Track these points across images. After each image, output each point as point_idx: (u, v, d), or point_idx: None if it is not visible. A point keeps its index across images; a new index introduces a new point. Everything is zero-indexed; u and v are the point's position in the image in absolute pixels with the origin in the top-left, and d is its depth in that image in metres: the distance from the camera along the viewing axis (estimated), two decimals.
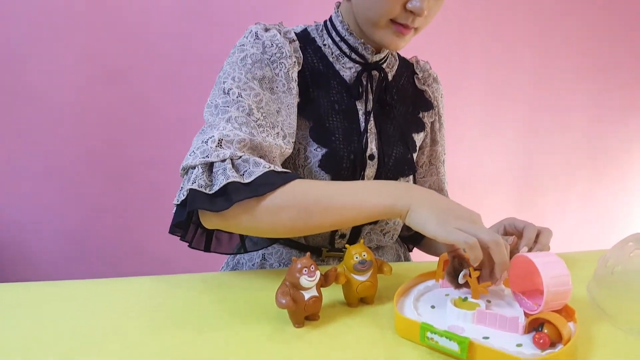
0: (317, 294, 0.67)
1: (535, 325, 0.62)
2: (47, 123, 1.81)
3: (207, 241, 0.87)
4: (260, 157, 0.77)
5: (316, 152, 0.90)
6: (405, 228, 1.10)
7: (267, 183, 0.71)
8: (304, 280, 0.65)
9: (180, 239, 0.81)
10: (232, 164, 0.72)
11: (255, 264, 0.99)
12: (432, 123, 1.09)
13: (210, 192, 0.71)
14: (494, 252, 0.65)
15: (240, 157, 0.73)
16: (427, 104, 1.06)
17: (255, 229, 0.75)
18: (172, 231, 0.81)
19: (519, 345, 0.60)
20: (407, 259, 1.12)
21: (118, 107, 1.85)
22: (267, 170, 0.72)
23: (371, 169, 0.93)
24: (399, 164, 0.95)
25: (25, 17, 1.70)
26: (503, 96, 2.34)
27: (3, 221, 1.87)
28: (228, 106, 0.78)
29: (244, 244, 0.95)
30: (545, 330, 0.60)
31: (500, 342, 0.59)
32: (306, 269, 0.65)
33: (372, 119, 0.94)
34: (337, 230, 0.94)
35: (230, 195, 0.70)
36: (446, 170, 1.15)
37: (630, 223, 2.69)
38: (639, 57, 2.50)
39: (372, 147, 0.93)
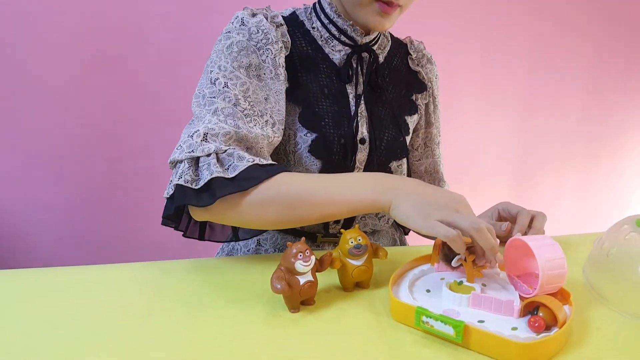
0: (312, 279, 0.67)
1: (530, 309, 0.62)
2: (39, 109, 1.79)
3: (201, 229, 0.87)
4: (247, 148, 0.77)
5: (306, 138, 0.89)
6: None
7: (251, 177, 0.71)
8: (299, 265, 0.64)
9: (175, 229, 0.82)
10: (217, 158, 0.72)
11: (250, 250, 0.99)
12: (427, 105, 1.08)
13: (196, 187, 0.71)
14: (478, 239, 0.64)
15: (225, 150, 0.73)
16: (421, 86, 1.05)
17: (241, 223, 0.76)
18: (165, 223, 0.81)
19: (514, 328, 0.60)
20: (403, 243, 1.11)
21: (111, 93, 1.83)
22: (250, 164, 0.72)
23: (362, 153, 0.92)
24: (391, 147, 0.95)
25: None
26: (498, 84, 2.33)
27: None
28: (214, 97, 0.78)
29: (235, 233, 0.95)
30: (541, 314, 0.60)
31: (496, 326, 0.59)
32: (301, 254, 0.64)
33: (362, 102, 0.93)
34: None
35: (214, 190, 0.70)
36: (442, 154, 1.15)
37: (625, 207, 2.70)
38: (633, 42, 2.48)
39: (363, 131, 0.92)
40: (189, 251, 1.86)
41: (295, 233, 0.97)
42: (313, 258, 0.66)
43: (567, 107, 2.49)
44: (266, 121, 0.81)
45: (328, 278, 0.75)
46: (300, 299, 0.67)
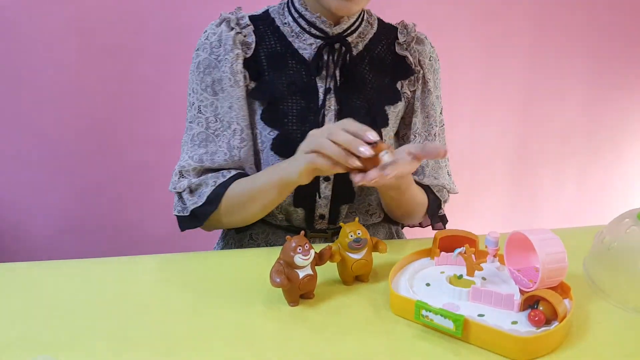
0: (311, 273, 0.66)
1: (530, 303, 0.62)
2: (35, 101, 1.78)
3: None
4: (212, 170, 0.91)
5: (269, 136, 0.89)
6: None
7: (215, 200, 0.87)
8: (299, 259, 0.64)
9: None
10: (190, 190, 0.89)
11: (244, 244, 0.99)
12: (414, 91, 0.98)
13: (187, 214, 0.89)
14: (327, 150, 0.68)
15: (196, 183, 0.89)
16: (407, 71, 0.97)
17: (227, 227, 0.96)
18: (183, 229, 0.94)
19: (514, 322, 0.60)
20: (400, 236, 1.10)
21: (109, 84, 1.82)
22: (213, 188, 0.87)
23: None
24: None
25: None
26: (498, 77, 2.31)
27: None
28: (192, 122, 0.91)
29: None
30: (541, 308, 0.60)
31: (496, 320, 0.59)
32: (300, 248, 0.64)
33: (332, 95, 0.90)
34: (315, 212, 0.93)
35: (198, 216, 0.88)
36: (442, 140, 1.04)
37: (627, 200, 2.69)
38: (635, 37, 2.47)
39: None
40: (187, 244, 1.86)
41: (284, 228, 0.96)
42: (312, 252, 0.66)
43: (567, 100, 2.47)
44: (234, 130, 0.89)
45: (328, 272, 0.74)
46: (300, 292, 0.67)
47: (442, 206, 1.02)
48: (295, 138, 0.86)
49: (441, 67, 1.03)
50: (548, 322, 0.59)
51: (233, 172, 0.89)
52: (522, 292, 0.65)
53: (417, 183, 0.96)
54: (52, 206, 1.91)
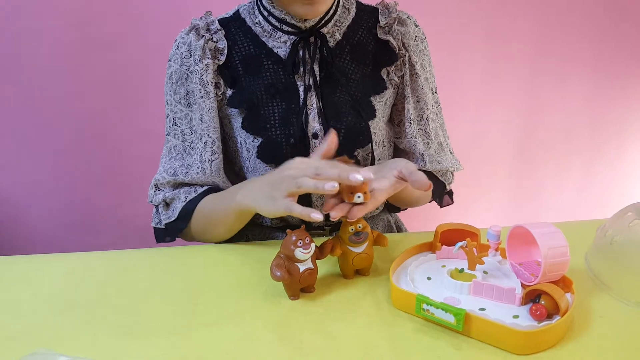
0: (312, 266, 0.66)
1: (532, 297, 0.62)
2: (36, 94, 1.78)
3: None
4: (186, 184, 0.91)
5: (253, 144, 0.87)
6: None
7: (185, 216, 0.87)
8: (299, 253, 0.64)
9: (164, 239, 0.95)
10: (165, 203, 0.90)
11: (241, 242, 0.98)
12: (402, 77, 0.93)
13: (162, 227, 0.91)
14: (319, 179, 0.65)
15: (169, 197, 0.89)
16: (390, 57, 0.91)
17: (198, 239, 0.92)
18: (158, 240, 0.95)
19: (515, 316, 0.60)
20: (400, 229, 1.09)
21: (110, 78, 1.82)
22: (184, 203, 0.88)
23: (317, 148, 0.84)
24: (350, 135, 0.86)
25: None
26: (501, 70, 2.30)
27: None
28: (168, 134, 0.91)
29: None
30: (543, 302, 0.59)
31: (497, 314, 0.59)
32: (301, 241, 0.64)
33: (313, 93, 0.87)
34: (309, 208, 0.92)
35: (171, 230, 0.90)
36: (434, 128, 0.99)
37: (629, 193, 2.69)
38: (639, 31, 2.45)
39: (315, 125, 0.87)
40: None
41: (280, 229, 0.96)
42: (313, 245, 0.66)
43: (570, 95, 2.46)
44: (205, 142, 0.88)
45: (328, 265, 0.74)
46: (300, 286, 0.67)
47: (448, 187, 1.02)
48: (281, 142, 0.85)
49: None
50: (550, 317, 0.59)
51: (205, 188, 0.89)
52: (523, 286, 0.65)
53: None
54: (52, 200, 1.91)
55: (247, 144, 0.89)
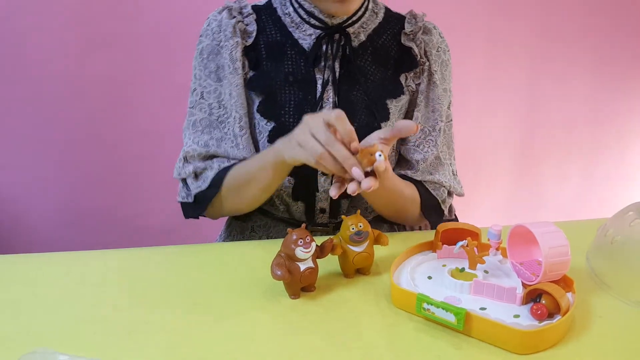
0: (312, 265, 0.66)
1: (533, 296, 0.62)
2: (35, 93, 1.77)
3: None
4: (216, 156, 0.90)
5: (265, 127, 0.89)
6: None
7: (217, 183, 0.86)
8: (300, 252, 0.64)
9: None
10: (195, 175, 0.89)
11: (245, 236, 0.99)
12: (419, 85, 0.94)
13: (190, 201, 0.90)
14: (325, 163, 0.67)
15: (200, 168, 0.89)
16: (411, 63, 0.93)
17: (228, 213, 0.94)
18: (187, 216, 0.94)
19: (516, 316, 0.60)
20: (402, 228, 1.09)
21: (110, 75, 1.81)
22: (215, 173, 0.87)
23: None
24: (361, 135, 0.82)
25: None
26: (502, 69, 2.30)
27: None
28: (194, 107, 0.91)
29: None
30: (543, 302, 0.59)
31: (498, 313, 0.59)
32: (302, 241, 0.64)
33: (330, 87, 0.89)
34: (315, 206, 0.92)
35: (201, 201, 0.88)
36: (448, 136, 0.98)
37: (630, 193, 2.68)
38: None
39: None
40: (189, 236, 1.86)
41: (285, 222, 0.96)
42: (314, 244, 0.65)
43: (571, 93, 2.46)
44: (234, 117, 0.89)
45: (329, 264, 0.74)
46: (301, 285, 0.67)
47: (443, 207, 0.95)
48: (292, 130, 0.83)
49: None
50: (550, 316, 0.59)
51: (239, 158, 0.89)
52: (524, 285, 0.65)
53: (407, 178, 0.92)
54: (52, 199, 1.91)
55: (260, 126, 0.90)
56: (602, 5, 2.35)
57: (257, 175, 0.83)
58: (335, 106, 0.89)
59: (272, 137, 0.87)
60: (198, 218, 0.94)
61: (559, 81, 2.40)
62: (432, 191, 0.93)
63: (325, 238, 0.72)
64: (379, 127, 0.89)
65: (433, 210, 0.94)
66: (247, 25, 0.90)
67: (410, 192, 0.90)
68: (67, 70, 1.78)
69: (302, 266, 0.65)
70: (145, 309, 0.65)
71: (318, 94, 0.89)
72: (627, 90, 2.53)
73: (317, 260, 0.67)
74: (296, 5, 0.90)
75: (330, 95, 0.89)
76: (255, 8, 0.93)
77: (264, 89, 0.89)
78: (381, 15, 0.95)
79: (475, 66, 2.25)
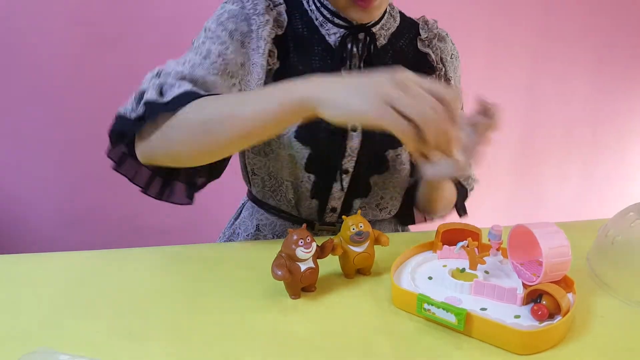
0: (313, 266, 0.66)
1: (533, 297, 0.62)
2: (37, 92, 1.78)
3: (161, 189, 0.84)
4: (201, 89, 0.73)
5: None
6: (405, 206, 1.03)
7: (181, 101, 0.67)
8: (300, 252, 0.64)
9: (130, 180, 0.81)
10: (160, 90, 0.70)
11: (250, 235, 0.99)
12: None
13: (132, 117, 0.70)
14: (427, 133, 0.53)
15: (170, 84, 0.71)
16: (429, 69, 0.96)
17: (168, 152, 0.71)
18: (116, 168, 0.80)
19: (516, 316, 0.60)
20: (405, 230, 1.09)
21: (111, 74, 1.82)
22: (187, 90, 0.68)
23: (354, 140, 0.88)
24: (385, 135, 0.88)
25: None
26: (502, 69, 2.30)
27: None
28: (188, 53, 0.78)
29: (190, 192, 0.85)
30: (544, 302, 0.59)
31: (498, 314, 0.59)
32: (302, 241, 0.64)
33: None
34: (327, 204, 0.92)
35: (141, 119, 0.69)
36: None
37: (631, 193, 2.68)
38: None
39: None
40: (189, 236, 1.86)
41: (293, 220, 0.96)
42: (314, 245, 0.65)
43: (571, 93, 2.46)
44: (233, 84, 0.80)
45: (329, 265, 0.74)
46: (301, 285, 0.67)
47: (469, 195, 1.04)
48: (319, 127, 0.85)
49: None
50: (551, 317, 0.59)
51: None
52: (525, 286, 0.65)
53: None
54: (53, 199, 1.91)
55: None
56: (603, 5, 2.35)
57: (243, 113, 0.63)
58: None
59: (300, 133, 0.85)
60: (120, 152, 0.80)
61: (559, 81, 2.40)
62: (463, 182, 1.02)
63: (331, 237, 0.72)
64: None
65: (464, 200, 1.02)
66: (278, 14, 0.85)
67: (452, 187, 0.97)
68: (68, 70, 1.78)
69: (303, 266, 0.65)
70: (146, 309, 0.65)
71: None
72: (628, 90, 2.53)
73: (317, 260, 0.67)
74: (318, 5, 0.87)
75: None
76: None
77: None
78: (398, 19, 0.95)
79: (476, 66, 2.25)
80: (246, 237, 0.99)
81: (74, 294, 0.68)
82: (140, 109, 0.70)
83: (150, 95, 0.69)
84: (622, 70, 2.48)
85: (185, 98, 0.67)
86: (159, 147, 0.71)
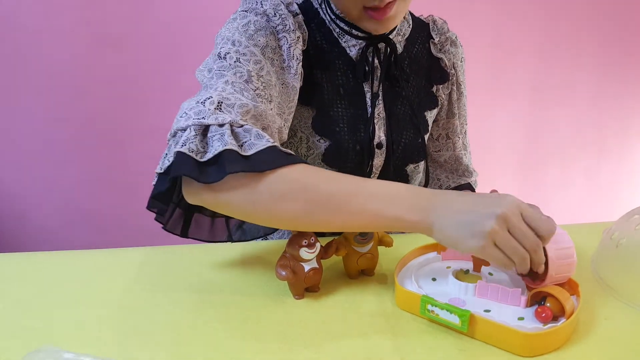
0: (317, 266, 0.66)
1: (537, 299, 0.61)
2: (42, 92, 1.78)
3: (185, 226, 0.73)
4: (263, 129, 0.67)
5: (319, 144, 0.83)
6: None
7: (270, 160, 0.59)
8: (304, 253, 0.64)
9: (156, 219, 0.71)
10: (232, 131, 0.60)
11: (245, 241, 0.98)
12: (449, 94, 0.97)
13: (202, 160, 0.58)
14: (533, 263, 0.58)
15: (242, 125, 0.61)
16: (443, 76, 0.94)
17: (247, 213, 0.62)
18: (151, 205, 0.68)
19: (520, 318, 0.60)
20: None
21: (115, 74, 1.82)
22: (271, 144, 0.60)
23: (379, 158, 0.87)
24: (408, 150, 0.88)
25: None
26: (507, 71, 2.30)
27: (2, 193, 1.87)
28: (224, 70, 0.68)
29: (230, 233, 0.79)
30: (548, 304, 0.59)
31: (502, 316, 0.59)
32: (306, 241, 0.64)
33: (380, 102, 0.86)
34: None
35: (224, 165, 0.57)
36: (469, 141, 1.08)
37: (636, 196, 2.67)
38: None
39: (380, 135, 0.86)
40: None
41: None
42: (318, 245, 0.65)
43: (576, 95, 2.45)
44: (272, 109, 0.71)
45: (333, 265, 0.74)
46: (305, 285, 0.67)
47: (475, 187, 1.08)
48: (348, 148, 0.83)
49: None
50: (555, 319, 0.59)
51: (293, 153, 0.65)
52: (529, 288, 0.64)
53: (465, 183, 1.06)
54: (57, 198, 1.92)
55: (310, 141, 0.84)
56: (609, 7, 2.34)
57: (371, 205, 0.60)
58: (386, 122, 0.86)
59: (328, 156, 0.83)
60: (165, 211, 0.69)
61: (563, 83, 2.40)
62: (474, 187, 1.07)
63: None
64: (423, 141, 0.90)
65: None
66: (299, 25, 0.79)
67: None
68: (74, 69, 1.79)
69: (307, 267, 0.65)
70: (151, 308, 0.65)
71: (368, 110, 0.84)
72: (633, 93, 2.52)
73: (321, 261, 0.68)
74: (333, 17, 0.82)
75: (380, 109, 0.86)
76: (301, 7, 0.81)
77: (316, 102, 0.82)
78: (410, 21, 0.91)
79: (480, 67, 2.25)
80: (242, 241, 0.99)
81: (78, 293, 0.68)
82: (213, 155, 0.58)
83: (229, 139, 0.59)
84: (628, 73, 2.47)
85: (272, 158, 0.59)
86: (236, 203, 0.61)
